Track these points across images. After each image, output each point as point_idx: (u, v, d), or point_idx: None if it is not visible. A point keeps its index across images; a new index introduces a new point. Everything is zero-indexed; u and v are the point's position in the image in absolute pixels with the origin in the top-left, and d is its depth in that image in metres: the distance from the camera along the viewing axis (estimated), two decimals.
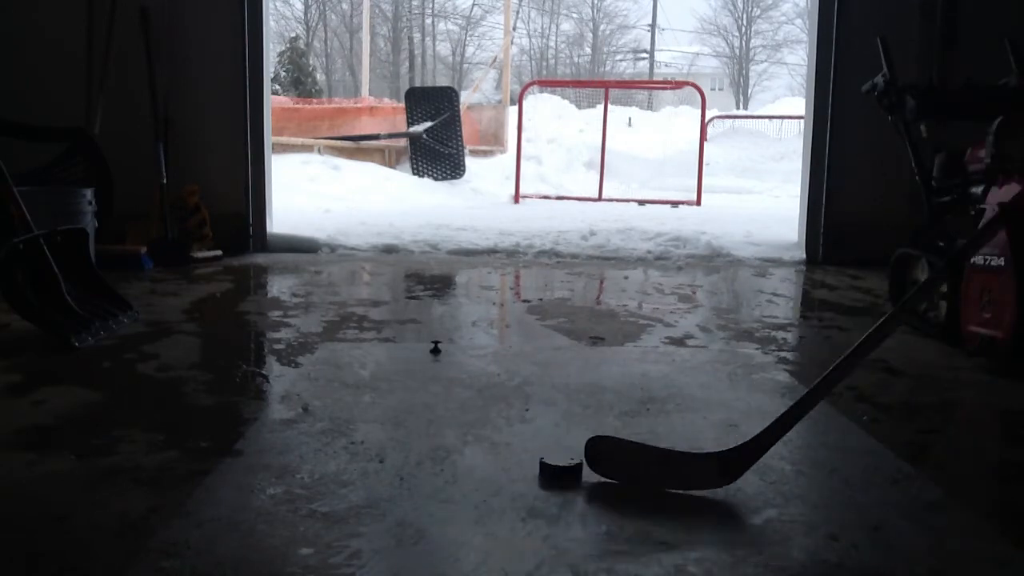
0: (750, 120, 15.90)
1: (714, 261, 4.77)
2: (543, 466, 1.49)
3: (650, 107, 22.66)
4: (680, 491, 1.45)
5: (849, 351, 1.51)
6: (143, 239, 4.26)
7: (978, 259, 2.42)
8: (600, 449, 1.49)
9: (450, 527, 1.31)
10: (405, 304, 3.36)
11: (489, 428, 1.77)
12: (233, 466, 1.54)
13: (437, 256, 4.81)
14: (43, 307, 2.52)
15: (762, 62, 36.08)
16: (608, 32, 36.38)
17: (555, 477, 1.47)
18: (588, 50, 36.44)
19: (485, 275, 4.17)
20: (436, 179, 9.60)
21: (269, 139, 4.90)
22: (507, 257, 4.81)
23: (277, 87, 17.12)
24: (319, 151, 9.32)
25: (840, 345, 2.73)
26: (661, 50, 36.22)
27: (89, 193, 3.57)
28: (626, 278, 4.14)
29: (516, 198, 8.97)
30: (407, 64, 31.26)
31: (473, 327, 2.92)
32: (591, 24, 36.00)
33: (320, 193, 7.58)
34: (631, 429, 1.78)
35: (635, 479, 1.47)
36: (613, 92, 12.64)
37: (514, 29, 23.81)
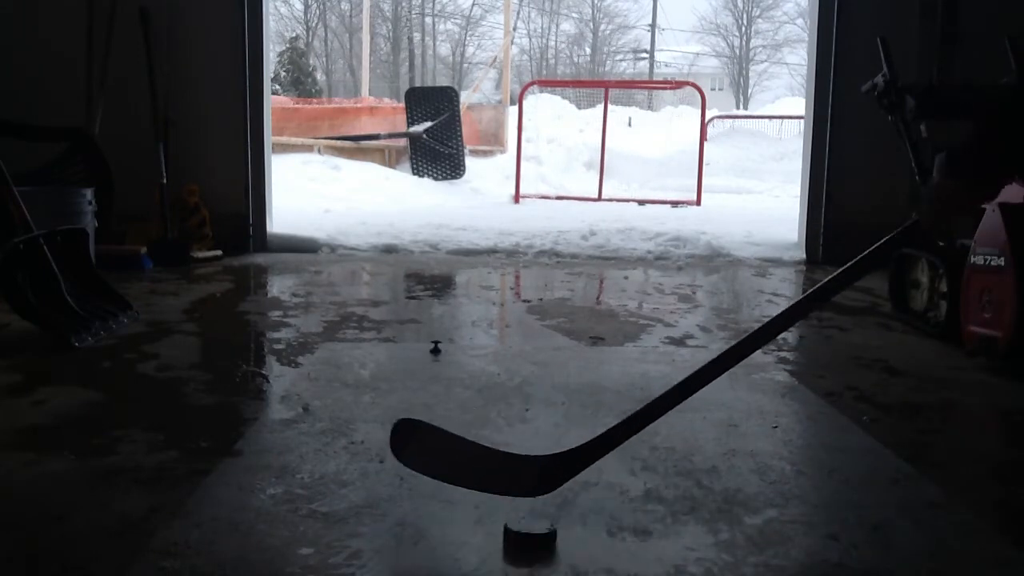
0: (750, 120, 15.88)
1: (714, 261, 4.77)
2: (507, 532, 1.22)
3: (650, 107, 22.64)
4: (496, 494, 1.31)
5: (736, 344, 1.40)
6: (143, 239, 4.25)
7: (978, 259, 2.42)
8: (410, 435, 1.29)
9: (450, 527, 1.31)
10: (405, 304, 3.36)
11: (489, 428, 1.77)
12: (233, 466, 1.54)
13: (437, 256, 4.81)
14: (43, 307, 2.52)
15: (762, 62, 36.08)
16: (608, 32, 36.38)
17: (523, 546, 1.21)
18: (588, 50, 36.44)
19: (485, 275, 4.17)
20: (436, 179, 9.59)
21: (269, 139, 4.90)
22: (507, 257, 4.81)
23: (277, 87, 17.12)
24: (319, 151, 9.32)
25: (840, 345, 2.73)
26: (661, 50, 36.21)
27: (89, 193, 3.57)
28: (626, 278, 4.14)
29: (516, 198, 8.96)
30: (407, 64, 31.24)
31: (473, 327, 2.92)
32: (591, 24, 36.00)
33: (320, 193, 7.58)
34: None
35: (445, 476, 1.28)
36: (613, 92, 12.63)
37: (514, 29, 23.81)
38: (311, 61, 24.42)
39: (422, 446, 1.28)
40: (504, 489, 1.28)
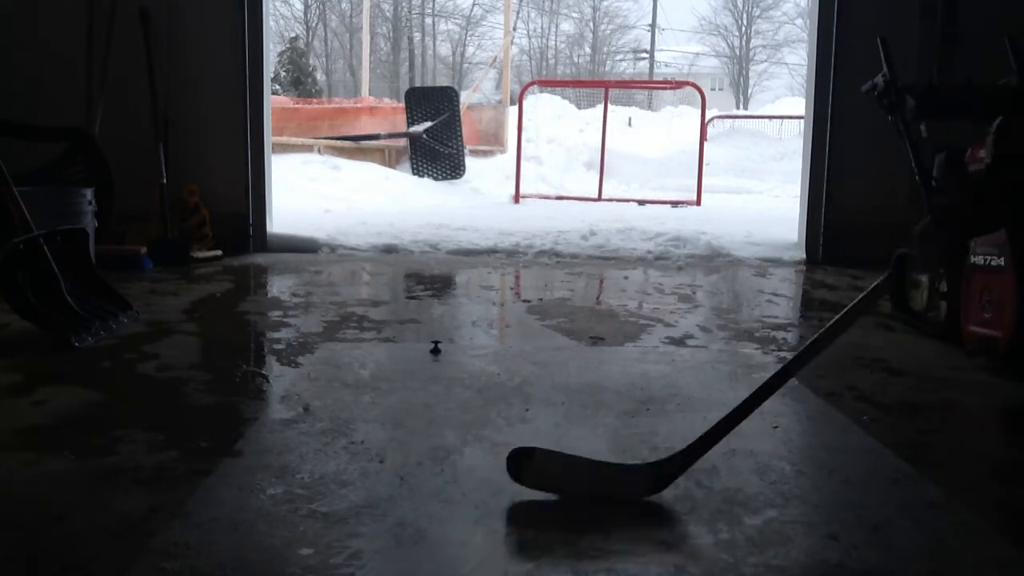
0: (750, 120, 15.88)
1: (714, 261, 4.77)
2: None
3: (650, 107, 22.63)
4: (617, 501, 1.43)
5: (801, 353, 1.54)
6: (143, 239, 4.25)
7: (978, 259, 2.42)
8: (525, 461, 1.42)
9: (450, 527, 1.31)
10: (405, 304, 3.36)
11: (489, 428, 1.77)
12: (233, 466, 1.54)
13: (437, 256, 4.81)
14: (43, 307, 2.51)
15: (762, 62, 36.09)
16: (608, 32, 36.38)
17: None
18: (588, 50, 36.44)
19: (485, 275, 4.17)
20: (436, 179, 9.59)
21: (269, 139, 4.90)
22: (507, 257, 4.81)
23: (277, 87, 17.12)
24: (319, 151, 9.32)
25: (840, 345, 2.72)
26: (661, 50, 36.21)
27: (89, 193, 3.57)
28: (626, 278, 4.14)
29: (516, 198, 8.96)
30: (407, 64, 31.25)
31: (473, 327, 2.92)
32: (591, 24, 36.01)
33: (320, 193, 7.58)
34: (631, 429, 1.78)
35: (563, 491, 1.42)
36: (613, 92, 12.63)
37: (514, 29, 23.81)
38: (311, 61, 24.42)
39: (539, 468, 1.43)
40: (618, 495, 1.45)
